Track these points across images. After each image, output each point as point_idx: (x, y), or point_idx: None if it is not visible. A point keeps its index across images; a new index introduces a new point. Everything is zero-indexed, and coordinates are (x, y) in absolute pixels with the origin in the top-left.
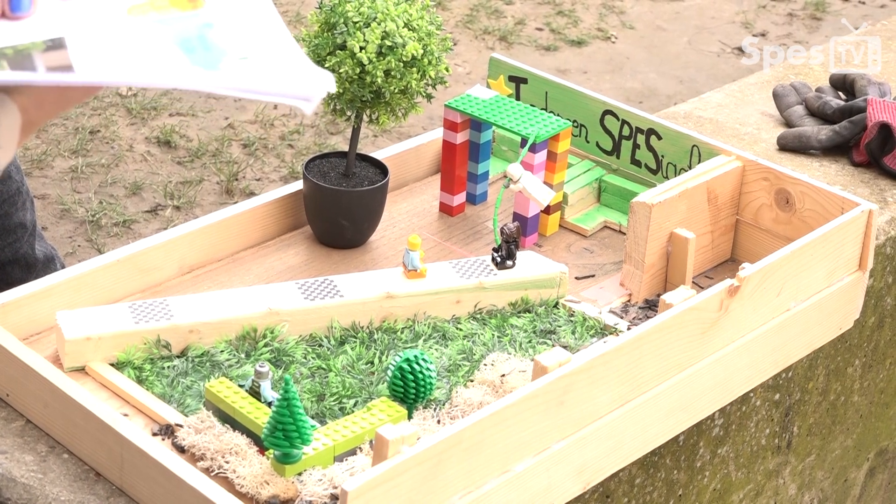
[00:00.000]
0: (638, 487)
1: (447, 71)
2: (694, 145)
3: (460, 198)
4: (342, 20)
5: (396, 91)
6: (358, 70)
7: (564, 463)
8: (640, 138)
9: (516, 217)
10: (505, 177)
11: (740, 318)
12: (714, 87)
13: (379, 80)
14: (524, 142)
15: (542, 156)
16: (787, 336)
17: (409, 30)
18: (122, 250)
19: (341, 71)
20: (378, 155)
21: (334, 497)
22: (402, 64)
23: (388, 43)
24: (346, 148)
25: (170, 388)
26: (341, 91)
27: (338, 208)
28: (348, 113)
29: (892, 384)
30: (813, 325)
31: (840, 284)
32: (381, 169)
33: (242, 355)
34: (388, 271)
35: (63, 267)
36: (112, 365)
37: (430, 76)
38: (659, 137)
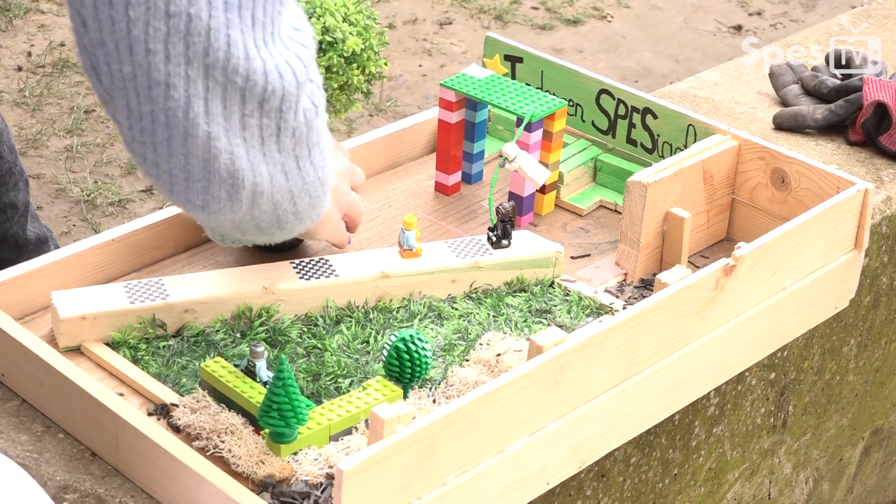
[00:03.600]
0: (633, 466)
1: (385, 65)
2: (690, 124)
3: (456, 177)
4: None
5: (337, 88)
6: None
7: (560, 442)
8: (636, 117)
9: (511, 196)
10: (500, 156)
11: (736, 298)
12: (710, 66)
13: (322, 76)
14: (520, 121)
15: (537, 135)
16: (783, 315)
17: (348, 24)
18: (117, 230)
19: None
20: (374, 134)
21: (330, 476)
22: (343, 60)
23: (328, 38)
24: (343, 128)
25: (165, 367)
26: None
27: None
28: None
29: (888, 363)
30: (808, 305)
31: (836, 264)
32: None
33: (238, 335)
34: (384, 251)
35: (58, 248)
36: (107, 344)
37: (370, 71)
38: (655, 117)
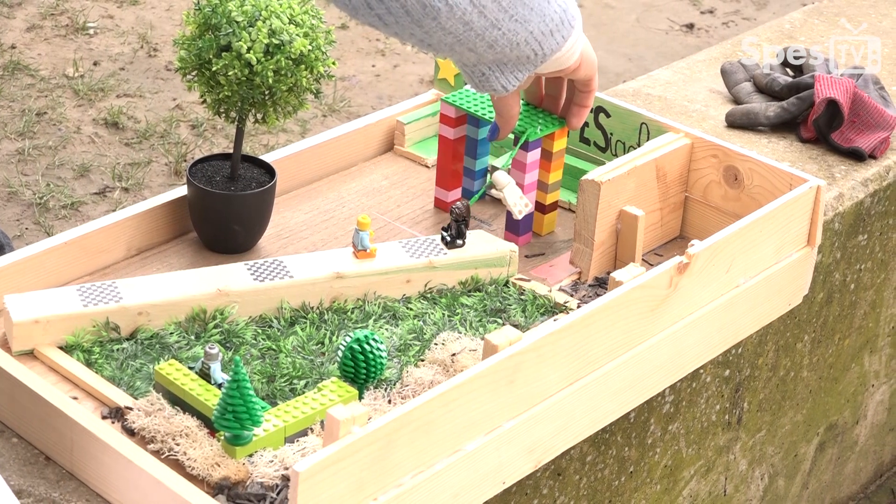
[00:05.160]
0: (589, 465)
1: (333, 65)
2: (643, 123)
3: (455, 193)
4: (225, 20)
5: (286, 90)
6: (246, 71)
7: (515, 441)
8: (589, 116)
9: (509, 217)
10: (489, 173)
11: (690, 295)
12: (662, 64)
13: (270, 79)
14: (517, 139)
15: (535, 154)
16: (737, 312)
17: (295, 25)
18: (70, 233)
19: (229, 74)
20: (328, 135)
21: (285, 478)
22: (291, 62)
23: (275, 41)
24: (297, 129)
25: (119, 370)
26: (229, 94)
27: (228, 212)
28: (233, 115)
29: (841, 359)
30: (762, 302)
31: (789, 260)
32: (266, 169)
33: (192, 337)
34: (338, 251)
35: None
36: (61, 348)
37: (319, 71)
38: (608, 115)
